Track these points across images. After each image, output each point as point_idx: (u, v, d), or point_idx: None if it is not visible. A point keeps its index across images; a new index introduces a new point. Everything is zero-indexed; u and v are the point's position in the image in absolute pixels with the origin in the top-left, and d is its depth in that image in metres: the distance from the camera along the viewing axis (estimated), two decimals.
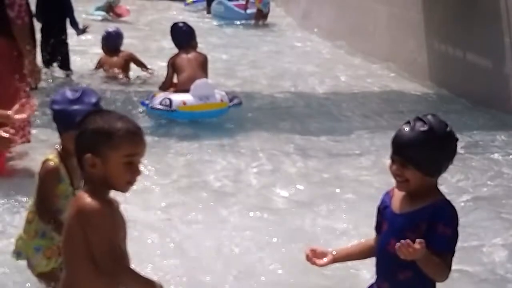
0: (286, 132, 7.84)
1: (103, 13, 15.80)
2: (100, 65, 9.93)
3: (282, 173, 6.51)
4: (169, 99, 7.78)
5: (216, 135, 7.57)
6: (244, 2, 17.11)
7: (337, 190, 6.05)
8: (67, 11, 9.95)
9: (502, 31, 8.89)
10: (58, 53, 9.75)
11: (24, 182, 5.54)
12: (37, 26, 8.36)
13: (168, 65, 8.23)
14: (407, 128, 2.92)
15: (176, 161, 6.72)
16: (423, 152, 2.89)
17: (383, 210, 3.06)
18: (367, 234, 3.28)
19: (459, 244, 2.93)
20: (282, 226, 5.20)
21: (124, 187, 2.74)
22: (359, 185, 6.21)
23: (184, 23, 8.65)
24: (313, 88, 10.31)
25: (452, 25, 9.97)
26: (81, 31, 10.19)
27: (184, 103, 7.75)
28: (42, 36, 9.56)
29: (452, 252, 2.91)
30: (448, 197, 3.03)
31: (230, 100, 8.05)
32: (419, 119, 2.93)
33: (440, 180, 5.81)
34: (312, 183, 6.23)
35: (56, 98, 3.67)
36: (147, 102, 8.02)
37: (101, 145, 2.67)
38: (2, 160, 6.06)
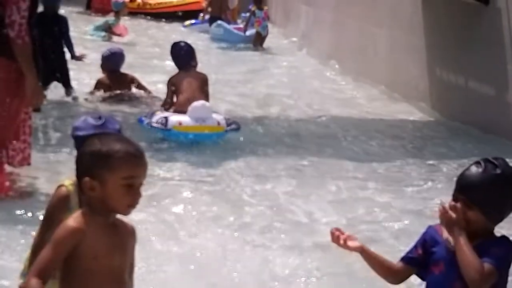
0: (288, 157, 7.76)
1: (103, 33, 15.73)
2: (99, 86, 9.83)
3: (311, 200, 6.39)
4: (166, 118, 7.75)
5: (227, 160, 7.46)
6: (241, 26, 17.11)
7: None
8: (63, 31, 9.84)
9: (505, 58, 8.86)
10: (57, 71, 9.65)
11: (25, 204, 5.51)
12: None
13: (168, 85, 8.20)
14: (479, 169, 2.89)
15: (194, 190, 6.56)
16: (491, 196, 2.86)
17: (432, 248, 2.98)
18: None
19: None
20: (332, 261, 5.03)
21: (124, 210, 2.72)
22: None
23: (184, 42, 8.61)
24: (312, 112, 10.25)
25: (454, 51, 9.93)
26: (76, 58, 10.08)
27: (180, 123, 7.70)
28: (40, 56, 9.46)
29: (497, 268, 2.83)
30: None
31: (228, 125, 7.94)
32: (489, 161, 2.90)
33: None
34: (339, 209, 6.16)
35: (79, 125, 3.53)
36: (144, 119, 7.97)
37: (98, 168, 2.65)
38: (2, 179, 5.97)
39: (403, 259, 3.07)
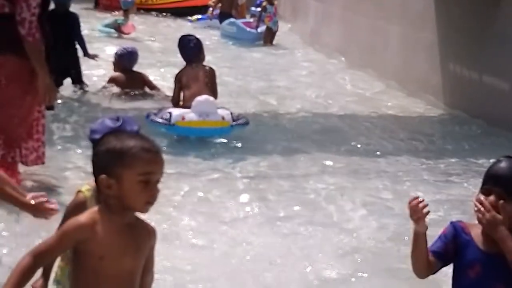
0: (302, 154, 7.68)
1: (112, 30, 15.66)
2: (112, 83, 9.80)
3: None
4: (170, 113, 7.68)
5: (237, 158, 7.38)
6: (252, 21, 16.98)
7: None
8: (74, 27, 9.81)
9: None
10: (70, 69, 9.65)
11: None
12: None
13: (175, 81, 8.13)
14: None
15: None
16: None
17: (463, 248, 2.93)
18: None
19: None
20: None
21: (143, 208, 2.68)
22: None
23: (192, 36, 8.53)
24: (324, 108, 10.17)
25: (467, 46, 9.85)
26: (89, 55, 10.05)
27: (183, 118, 7.60)
28: (52, 54, 9.43)
29: None
30: None
31: (235, 120, 7.82)
32: None
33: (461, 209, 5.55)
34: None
35: (96, 128, 3.34)
36: (152, 115, 7.89)
37: (114, 165, 2.63)
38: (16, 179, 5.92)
39: (433, 253, 2.99)
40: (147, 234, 2.77)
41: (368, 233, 5.51)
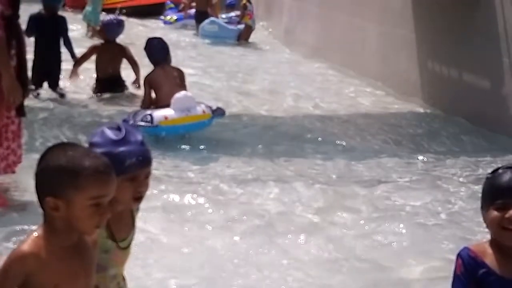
0: (283, 156, 7.56)
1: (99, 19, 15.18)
2: (92, 51, 9.73)
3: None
4: (150, 115, 7.59)
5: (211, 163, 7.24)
6: (228, 19, 16.88)
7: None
8: (62, 30, 9.71)
9: (500, 50, 8.68)
10: (51, 72, 9.54)
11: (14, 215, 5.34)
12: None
13: (144, 84, 8.10)
14: None
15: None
16: None
17: (481, 280, 2.71)
18: None
19: None
20: None
21: (91, 231, 2.49)
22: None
23: (158, 38, 8.56)
24: (301, 108, 10.01)
25: (446, 44, 9.74)
26: (76, 58, 9.88)
27: (166, 118, 7.55)
28: (36, 55, 9.28)
29: None
30: None
31: (213, 112, 7.88)
32: None
33: (442, 207, 5.57)
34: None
35: (96, 141, 2.89)
36: (128, 119, 7.69)
37: (64, 186, 2.38)
38: None
39: None
40: (90, 247, 2.57)
41: None
